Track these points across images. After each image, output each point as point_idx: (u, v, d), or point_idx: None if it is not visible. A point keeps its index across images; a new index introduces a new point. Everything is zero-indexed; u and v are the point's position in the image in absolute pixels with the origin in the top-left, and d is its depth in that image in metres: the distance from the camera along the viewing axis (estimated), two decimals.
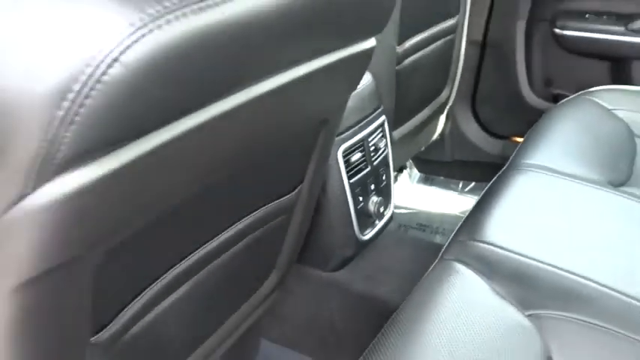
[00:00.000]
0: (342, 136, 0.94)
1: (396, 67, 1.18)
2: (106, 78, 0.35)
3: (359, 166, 0.98)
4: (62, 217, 0.40)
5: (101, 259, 0.50)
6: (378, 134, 1.03)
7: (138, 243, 0.55)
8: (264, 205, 0.75)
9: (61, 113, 0.35)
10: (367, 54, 0.67)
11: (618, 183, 1.04)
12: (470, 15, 1.49)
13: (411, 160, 1.82)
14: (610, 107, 1.23)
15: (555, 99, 1.52)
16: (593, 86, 1.32)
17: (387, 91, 1.13)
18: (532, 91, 1.63)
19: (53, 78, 0.35)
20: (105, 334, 0.58)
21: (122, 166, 0.41)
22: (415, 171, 1.86)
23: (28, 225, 0.40)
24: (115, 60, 0.35)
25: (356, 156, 0.97)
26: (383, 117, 1.05)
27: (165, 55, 0.37)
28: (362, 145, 0.98)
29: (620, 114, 1.23)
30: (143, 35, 0.35)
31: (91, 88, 0.35)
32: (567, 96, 1.32)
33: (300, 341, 1.15)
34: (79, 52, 0.35)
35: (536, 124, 1.20)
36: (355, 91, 0.84)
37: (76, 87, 0.34)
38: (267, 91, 0.52)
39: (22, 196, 0.39)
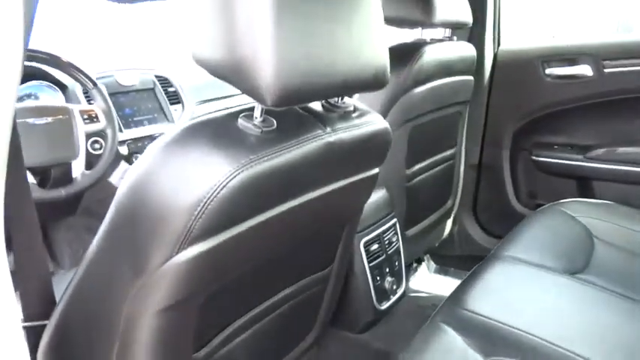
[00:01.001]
0: (364, 232, 1.14)
1: (406, 184, 1.37)
2: (219, 195, 0.58)
3: (377, 254, 1.16)
4: (191, 271, 0.62)
5: (203, 300, 0.70)
6: (391, 231, 1.22)
7: (224, 293, 0.75)
8: (305, 278, 0.91)
9: (195, 212, 0.58)
10: (373, 178, 0.87)
11: (574, 271, 1.17)
12: (466, 146, 1.66)
13: (428, 255, 1.96)
14: (574, 215, 1.34)
15: (538, 207, 1.66)
16: (564, 198, 1.44)
17: (398, 201, 1.33)
18: (519, 202, 1.76)
19: (193, 196, 0.58)
20: (203, 352, 0.77)
21: (223, 241, 0.63)
22: (432, 263, 1.98)
23: (172, 274, 0.62)
24: (224, 186, 0.58)
25: (374, 246, 1.16)
26: (395, 219, 1.24)
27: (251, 183, 0.60)
28: (379, 238, 1.18)
29: (582, 220, 1.33)
30: (239, 173, 0.58)
31: (211, 201, 0.57)
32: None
33: None
34: (206, 182, 0.58)
35: (515, 227, 1.35)
36: (372, 200, 1.04)
37: (204, 199, 0.57)
38: (309, 199, 0.72)
39: (170, 256, 0.61)
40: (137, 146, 1.63)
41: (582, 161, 1.63)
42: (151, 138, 1.67)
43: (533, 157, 1.72)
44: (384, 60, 0.69)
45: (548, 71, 1.63)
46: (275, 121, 0.64)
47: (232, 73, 0.58)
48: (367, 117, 0.78)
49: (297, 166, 0.64)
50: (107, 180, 1.39)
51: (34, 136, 1.23)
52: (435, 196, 1.59)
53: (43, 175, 1.33)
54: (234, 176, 0.57)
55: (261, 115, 0.63)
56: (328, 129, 0.70)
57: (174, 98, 1.80)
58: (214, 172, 0.57)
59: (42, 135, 1.25)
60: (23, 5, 0.49)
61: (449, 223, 1.75)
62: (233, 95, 2.00)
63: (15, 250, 0.76)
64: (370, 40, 0.66)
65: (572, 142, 1.66)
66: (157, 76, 1.79)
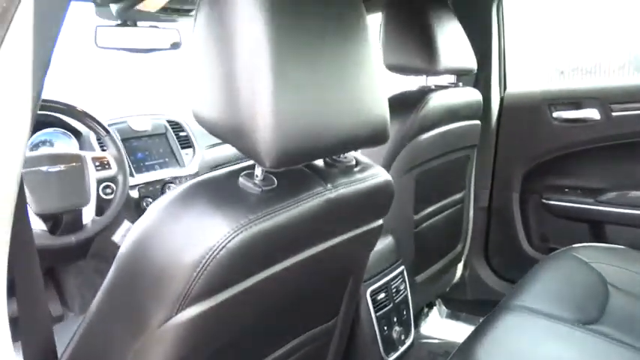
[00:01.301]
0: (370, 280, 1.13)
1: (414, 230, 1.36)
2: (218, 257, 0.58)
3: (384, 303, 1.15)
4: (191, 331, 0.61)
5: (205, 356, 0.70)
6: (398, 279, 1.21)
7: (226, 350, 0.74)
8: (309, 330, 0.89)
9: (194, 274, 0.58)
10: (377, 229, 0.87)
11: (587, 322, 1.14)
12: (475, 188, 1.64)
13: (439, 299, 1.92)
14: (588, 261, 1.31)
15: (550, 252, 1.63)
16: (576, 242, 1.41)
17: (406, 248, 1.32)
18: (530, 245, 1.73)
19: (192, 257, 0.58)
20: None
21: (224, 300, 0.63)
22: (443, 307, 1.95)
23: (172, 335, 0.61)
24: (222, 248, 0.58)
25: (381, 295, 1.14)
26: (402, 267, 1.23)
27: (250, 244, 0.60)
28: (386, 287, 1.16)
29: (596, 266, 1.30)
30: (238, 234, 0.59)
31: (210, 262, 0.58)
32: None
33: None
34: (205, 243, 0.58)
35: (527, 273, 1.33)
36: (379, 248, 1.03)
37: (203, 261, 0.58)
38: (311, 255, 0.72)
39: (170, 317, 0.60)
40: (148, 190, 1.66)
41: (594, 205, 1.61)
42: (162, 182, 1.69)
43: (544, 200, 1.70)
44: (384, 116, 0.69)
45: (555, 114, 1.64)
46: (275, 180, 0.65)
47: (231, 133, 0.60)
48: (369, 171, 0.78)
49: (297, 224, 0.65)
50: (110, 239, 1.41)
51: (47, 183, 1.26)
52: (444, 240, 1.58)
53: (54, 222, 1.35)
54: (233, 237, 0.58)
55: (261, 174, 0.64)
56: (329, 185, 0.70)
57: (186, 142, 1.83)
58: (213, 233, 0.58)
59: (55, 182, 1.28)
60: (33, 57, 0.51)
61: (459, 267, 1.73)
62: None
63: (17, 300, 0.76)
64: (370, 97, 0.67)
65: (582, 185, 1.65)
66: (168, 121, 1.83)
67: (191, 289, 0.58)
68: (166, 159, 1.78)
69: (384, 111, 0.70)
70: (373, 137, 0.69)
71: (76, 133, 1.57)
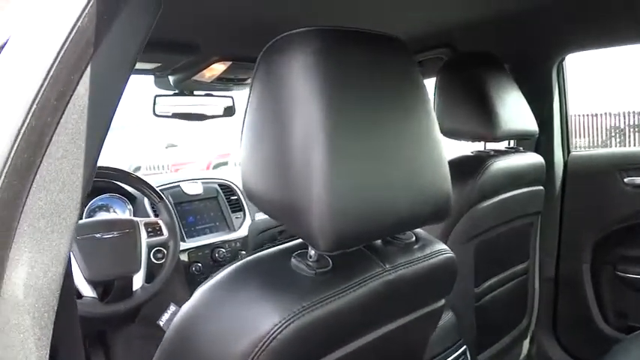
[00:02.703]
0: None
1: (475, 304, 1.27)
2: (268, 348, 0.53)
3: None
4: None
5: None
6: None
7: None
8: None
9: None
10: (439, 311, 0.80)
11: None
12: (540, 257, 1.53)
13: None
14: None
15: (630, 330, 1.47)
16: None
17: (467, 324, 1.22)
18: (606, 323, 1.57)
19: (240, 349, 0.53)
20: None
21: None
22: None
23: None
24: (274, 338, 0.53)
25: None
26: (464, 347, 1.13)
27: (303, 333, 0.55)
28: None
29: None
30: (290, 323, 0.54)
31: (261, 353, 0.53)
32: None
33: None
34: (254, 333, 0.53)
35: (606, 356, 1.19)
36: (438, 326, 0.94)
37: (253, 353, 0.53)
38: (368, 342, 0.65)
39: None
40: (198, 255, 1.65)
41: None
42: (211, 246, 1.69)
43: (619, 273, 1.56)
44: (447, 191, 0.64)
45: (627, 180, 1.52)
46: (330, 261, 0.60)
47: (282, 212, 0.56)
48: (430, 248, 0.72)
49: (352, 309, 0.59)
50: (156, 323, 1.39)
51: (101, 250, 1.27)
52: (508, 315, 1.46)
53: (104, 288, 1.36)
54: (285, 326, 0.53)
55: (315, 255, 0.59)
56: (387, 265, 0.65)
57: (237, 206, 1.84)
58: (264, 321, 0.53)
59: (107, 249, 1.29)
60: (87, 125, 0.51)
61: (525, 344, 1.59)
62: None
63: None
64: (431, 171, 0.63)
65: None
66: (220, 185, 1.85)
67: None
68: (217, 222, 1.78)
69: (447, 186, 0.65)
70: (435, 214, 0.63)
71: (131, 198, 1.60)
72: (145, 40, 0.57)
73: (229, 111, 1.68)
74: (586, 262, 1.60)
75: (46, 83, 0.48)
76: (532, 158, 1.39)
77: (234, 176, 1.95)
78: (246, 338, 0.53)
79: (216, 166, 7.20)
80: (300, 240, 0.65)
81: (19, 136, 0.47)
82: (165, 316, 1.39)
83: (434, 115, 0.66)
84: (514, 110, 1.27)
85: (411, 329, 0.75)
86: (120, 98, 0.55)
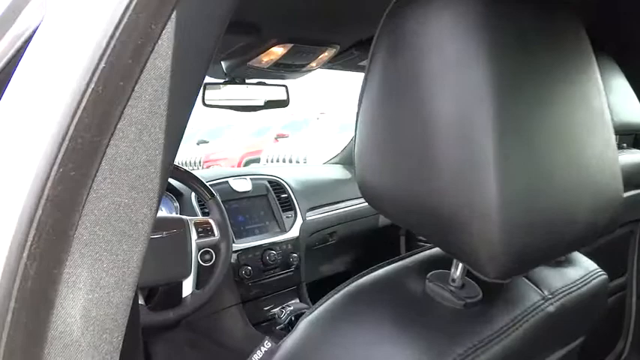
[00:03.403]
0: None
1: None
2: None
3: None
4: None
5: None
6: None
7: None
8: None
9: None
10: (578, 346, 0.64)
11: None
12: (638, 273, 1.37)
13: None
14: None
15: None
16: None
17: None
18: None
19: None
20: None
21: None
22: None
23: None
24: None
25: None
26: None
27: None
28: None
29: None
30: None
31: None
32: None
33: None
34: None
35: None
36: None
37: None
38: None
39: None
40: (247, 258, 1.52)
41: None
42: (261, 248, 1.55)
43: None
44: (621, 193, 0.48)
45: None
46: (479, 288, 0.45)
47: (429, 224, 0.41)
48: (582, 267, 0.57)
49: (514, 354, 0.44)
50: (203, 327, 1.24)
51: (147, 252, 1.15)
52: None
53: (149, 291, 1.23)
54: None
55: (460, 279, 0.44)
56: (546, 293, 0.49)
57: (287, 205, 1.70)
58: None
59: (154, 251, 1.16)
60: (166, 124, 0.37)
61: None
62: (344, 200, 1.87)
63: None
64: (606, 167, 0.47)
65: None
66: (269, 182, 1.71)
67: None
68: (267, 222, 1.65)
69: (621, 187, 0.49)
70: (612, 222, 0.47)
71: (177, 194, 1.48)
72: None
73: (284, 103, 1.54)
74: None
75: (117, 33, 0.33)
76: (637, 157, 1.20)
77: (283, 172, 1.81)
78: None
79: (246, 163, 7.12)
80: (429, 252, 0.50)
81: (81, 107, 0.33)
82: (258, 356, 1.25)
83: (605, 97, 0.49)
84: (621, 102, 1.09)
85: None
86: (207, 66, 0.40)
